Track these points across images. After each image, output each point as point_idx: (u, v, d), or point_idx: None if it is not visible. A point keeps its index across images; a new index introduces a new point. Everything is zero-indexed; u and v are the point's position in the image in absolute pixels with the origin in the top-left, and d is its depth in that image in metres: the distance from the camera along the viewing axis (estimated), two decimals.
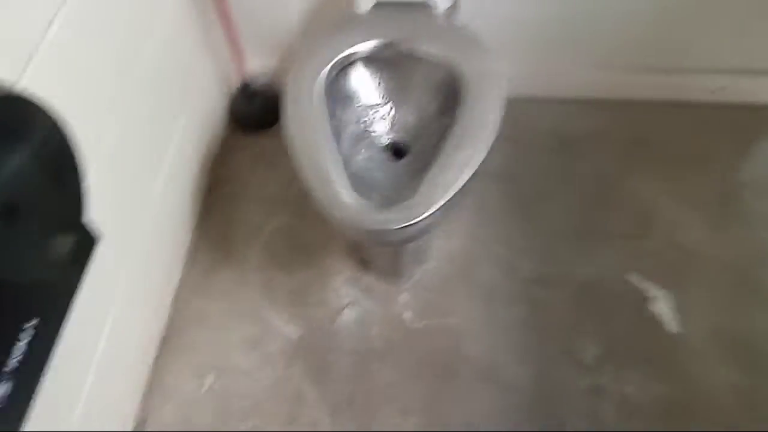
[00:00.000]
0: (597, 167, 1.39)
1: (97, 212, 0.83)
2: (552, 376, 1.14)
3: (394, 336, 1.19)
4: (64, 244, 0.66)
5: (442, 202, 0.83)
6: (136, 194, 1.04)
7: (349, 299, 1.23)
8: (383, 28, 1.02)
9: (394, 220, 0.82)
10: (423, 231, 0.86)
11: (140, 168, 1.05)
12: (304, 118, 0.91)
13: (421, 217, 0.81)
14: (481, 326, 1.20)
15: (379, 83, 1.05)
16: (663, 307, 1.21)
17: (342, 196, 0.84)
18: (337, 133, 0.98)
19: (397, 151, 1.05)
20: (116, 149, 0.94)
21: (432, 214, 0.82)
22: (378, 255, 1.20)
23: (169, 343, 1.18)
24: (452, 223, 1.31)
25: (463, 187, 0.85)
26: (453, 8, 1.08)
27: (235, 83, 1.43)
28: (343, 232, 0.92)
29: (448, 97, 0.97)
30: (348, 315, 1.21)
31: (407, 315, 1.21)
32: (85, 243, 0.70)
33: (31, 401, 0.64)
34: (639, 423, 1.09)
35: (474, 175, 0.87)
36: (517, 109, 1.46)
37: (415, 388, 1.13)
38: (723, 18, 1.31)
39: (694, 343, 1.17)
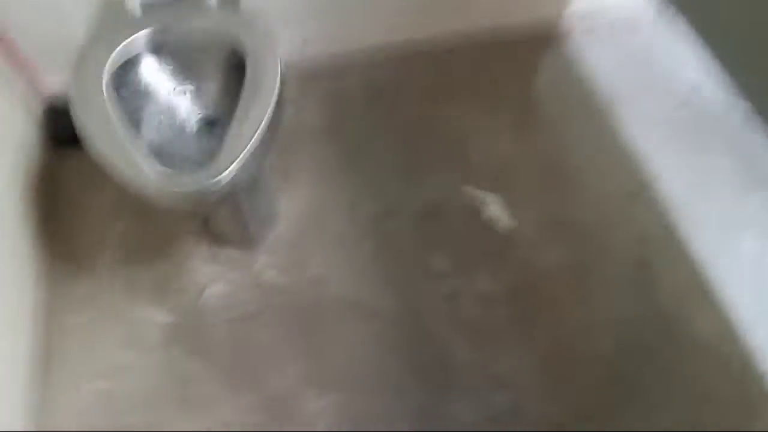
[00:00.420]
0: (410, 108, 1.52)
1: None
2: (412, 294, 1.26)
3: (261, 297, 1.25)
4: None
5: (238, 158, 0.90)
6: None
7: (210, 275, 1.28)
8: (157, 21, 1.07)
9: (198, 181, 0.89)
10: (231, 187, 0.93)
11: None
12: (94, 116, 0.95)
13: (221, 176, 0.89)
14: (340, 269, 1.29)
15: (173, 69, 1.10)
16: (496, 209, 1.36)
17: (147, 171, 0.90)
18: (139, 123, 1.04)
19: (209, 126, 1.12)
20: None
21: (230, 170, 0.90)
22: (226, 225, 1.26)
23: (48, 363, 1.18)
24: (292, 183, 1.40)
25: (258, 140, 0.93)
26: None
27: (41, 104, 1.43)
28: (158, 204, 0.97)
29: (237, 70, 1.04)
30: (214, 289, 1.26)
31: (269, 275, 1.28)
32: None
33: None
34: (495, 313, 1.23)
35: (266, 129, 0.95)
36: (327, 71, 1.56)
37: (295, 339, 1.21)
38: None
39: (526, 233, 1.33)
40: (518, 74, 1.58)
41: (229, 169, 0.90)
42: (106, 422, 1.12)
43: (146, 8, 1.10)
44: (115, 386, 1.16)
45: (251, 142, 0.93)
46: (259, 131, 0.94)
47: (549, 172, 1.41)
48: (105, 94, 0.98)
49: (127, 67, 1.06)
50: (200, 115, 1.13)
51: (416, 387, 1.16)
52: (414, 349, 1.20)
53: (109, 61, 1.02)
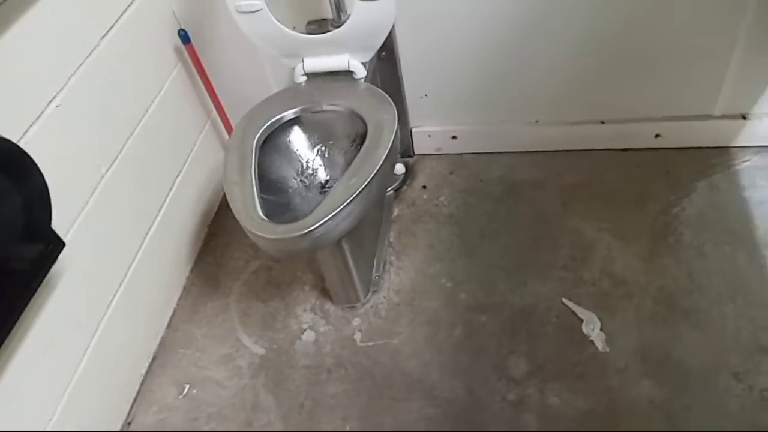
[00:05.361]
0: (539, 210, 1.54)
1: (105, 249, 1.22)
2: (481, 389, 1.25)
3: (343, 353, 1.36)
4: (34, 246, 0.96)
5: (324, 219, 1.04)
6: (134, 243, 1.36)
7: (308, 323, 1.42)
8: (312, 94, 1.29)
9: (287, 231, 1.04)
10: (317, 240, 1.06)
11: (135, 225, 1.37)
12: (235, 165, 1.17)
13: (307, 230, 1.03)
14: (421, 346, 1.34)
15: (312, 136, 1.31)
16: (592, 329, 1.30)
17: (253, 216, 1.08)
18: (275, 178, 1.25)
19: (328, 187, 1.30)
20: (127, 208, 1.32)
21: (316, 227, 1.03)
22: (332, 283, 1.40)
23: (159, 359, 1.42)
24: (403, 260, 1.50)
25: (347, 205, 1.06)
26: (369, 77, 1.33)
27: None
28: (259, 245, 1.14)
29: (362, 142, 1.20)
30: (307, 336, 1.40)
31: (356, 336, 1.38)
32: (52, 247, 0.99)
33: None
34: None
35: (360, 196, 1.07)
36: (471, 164, 1.68)
37: (357, 398, 1.28)
38: (650, 69, 1.46)
39: (619, 361, 1.25)
40: (667, 191, 1.51)
41: (313, 226, 1.04)
42: (181, 418, 1.30)
43: (311, 77, 1.34)
44: (200, 393, 1.34)
45: (341, 206, 1.06)
46: (350, 199, 1.07)
47: (666, 305, 1.31)
48: (253, 148, 1.21)
49: (280, 131, 1.29)
50: (327, 179, 1.31)
51: None
52: None
53: (265, 125, 1.26)
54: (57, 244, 1.00)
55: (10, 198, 0.91)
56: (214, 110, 1.63)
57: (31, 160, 0.94)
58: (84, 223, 1.18)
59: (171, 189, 1.49)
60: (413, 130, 1.68)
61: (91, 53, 1.21)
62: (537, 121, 1.61)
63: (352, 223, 1.12)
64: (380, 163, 1.12)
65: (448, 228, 1.55)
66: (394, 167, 1.64)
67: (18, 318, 0.94)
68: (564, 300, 1.35)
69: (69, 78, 1.15)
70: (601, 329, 1.29)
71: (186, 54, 1.50)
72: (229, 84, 1.60)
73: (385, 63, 1.51)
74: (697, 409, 1.16)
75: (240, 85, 1.60)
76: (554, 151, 1.65)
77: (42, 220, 0.97)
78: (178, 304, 1.52)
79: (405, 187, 1.67)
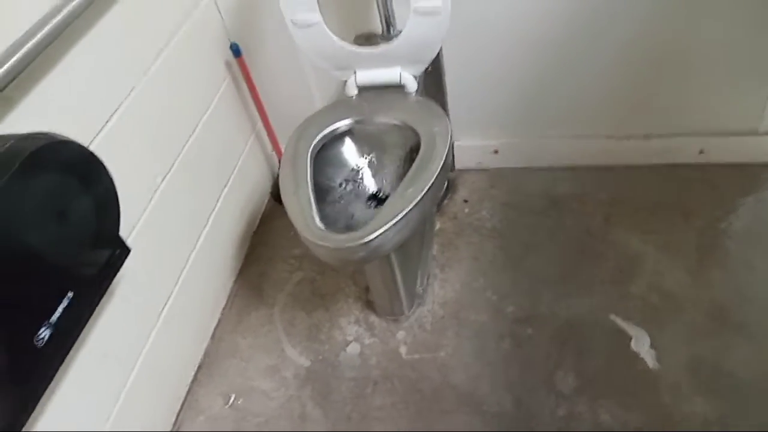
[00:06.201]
0: (583, 223, 1.54)
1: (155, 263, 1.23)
2: (530, 404, 1.25)
3: (389, 366, 1.36)
4: (102, 251, 0.97)
5: (384, 228, 1.05)
6: (184, 254, 1.38)
7: (353, 335, 1.42)
8: (363, 107, 1.31)
9: (347, 239, 1.05)
10: (375, 250, 1.07)
11: (186, 236, 1.39)
12: (291, 176, 1.19)
13: (367, 239, 1.04)
14: (468, 359, 1.34)
15: (363, 148, 1.32)
16: (642, 344, 1.29)
17: (312, 226, 1.09)
18: (326, 187, 1.27)
19: (379, 198, 1.30)
20: (179, 219, 1.34)
21: (375, 237, 1.04)
22: (378, 294, 1.41)
23: (205, 369, 1.42)
24: (447, 272, 1.50)
25: (405, 216, 1.07)
26: (420, 89, 1.35)
27: (277, 167, 1.77)
28: (317, 254, 1.15)
29: (413, 154, 1.21)
30: (352, 348, 1.40)
31: (402, 349, 1.38)
32: (119, 252, 1.01)
33: (65, 351, 0.91)
34: None
35: (417, 207, 1.08)
36: (512, 178, 1.68)
37: (405, 411, 1.28)
38: (694, 84, 1.47)
39: (670, 376, 1.24)
40: (712, 206, 1.50)
41: (372, 235, 1.05)
42: (229, 428, 1.31)
43: (362, 90, 1.35)
44: (246, 403, 1.34)
45: (398, 217, 1.07)
46: (407, 209, 1.08)
47: (717, 318, 1.30)
48: (308, 159, 1.22)
49: (332, 142, 1.31)
50: (377, 190, 1.32)
51: None
52: None
53: (319, 136, 1.27)
54: (123, 250, 1.02)
55: (83, 202, 0.92)
56: (259, 122, 1.65)
57: (102, 165, 0.95)
58: (141, 232, 1.20)
59: (218, 200, 1.51)
60: (454, 143, 1.69)
61: (150, 66, 1.24)
62: (579, 136, 1.62)
63: (407, 234, 1.12)
64: (435, 175, 1.12)
65: (491, 241, 1.55)
66: (446, 180, 1.64)
67: (87, 323, 0.96)
68: (612, 317, 1.34)
69: (131, 90, 1.18)
70: (651, 346, 1.28)
71: (235, 67, 1.53)
72: (273, 97, 1.62)
73: (430, 77, 1.52)
74: (754, 424, 1.14)
75: (284, 98, 1.63)
76: (596, 165, 1.65)
77: (110, 226, 0.99)
78: (222, 314, 1.53)
79: (446, 201, 1.67)
